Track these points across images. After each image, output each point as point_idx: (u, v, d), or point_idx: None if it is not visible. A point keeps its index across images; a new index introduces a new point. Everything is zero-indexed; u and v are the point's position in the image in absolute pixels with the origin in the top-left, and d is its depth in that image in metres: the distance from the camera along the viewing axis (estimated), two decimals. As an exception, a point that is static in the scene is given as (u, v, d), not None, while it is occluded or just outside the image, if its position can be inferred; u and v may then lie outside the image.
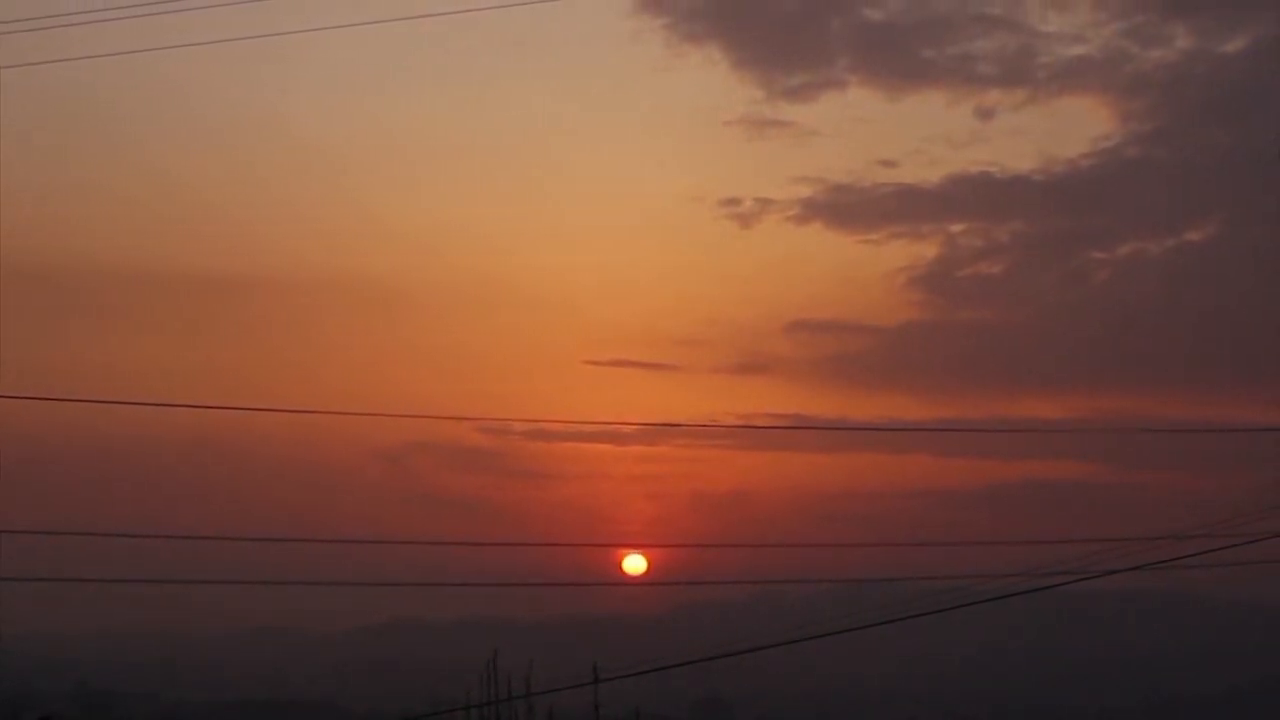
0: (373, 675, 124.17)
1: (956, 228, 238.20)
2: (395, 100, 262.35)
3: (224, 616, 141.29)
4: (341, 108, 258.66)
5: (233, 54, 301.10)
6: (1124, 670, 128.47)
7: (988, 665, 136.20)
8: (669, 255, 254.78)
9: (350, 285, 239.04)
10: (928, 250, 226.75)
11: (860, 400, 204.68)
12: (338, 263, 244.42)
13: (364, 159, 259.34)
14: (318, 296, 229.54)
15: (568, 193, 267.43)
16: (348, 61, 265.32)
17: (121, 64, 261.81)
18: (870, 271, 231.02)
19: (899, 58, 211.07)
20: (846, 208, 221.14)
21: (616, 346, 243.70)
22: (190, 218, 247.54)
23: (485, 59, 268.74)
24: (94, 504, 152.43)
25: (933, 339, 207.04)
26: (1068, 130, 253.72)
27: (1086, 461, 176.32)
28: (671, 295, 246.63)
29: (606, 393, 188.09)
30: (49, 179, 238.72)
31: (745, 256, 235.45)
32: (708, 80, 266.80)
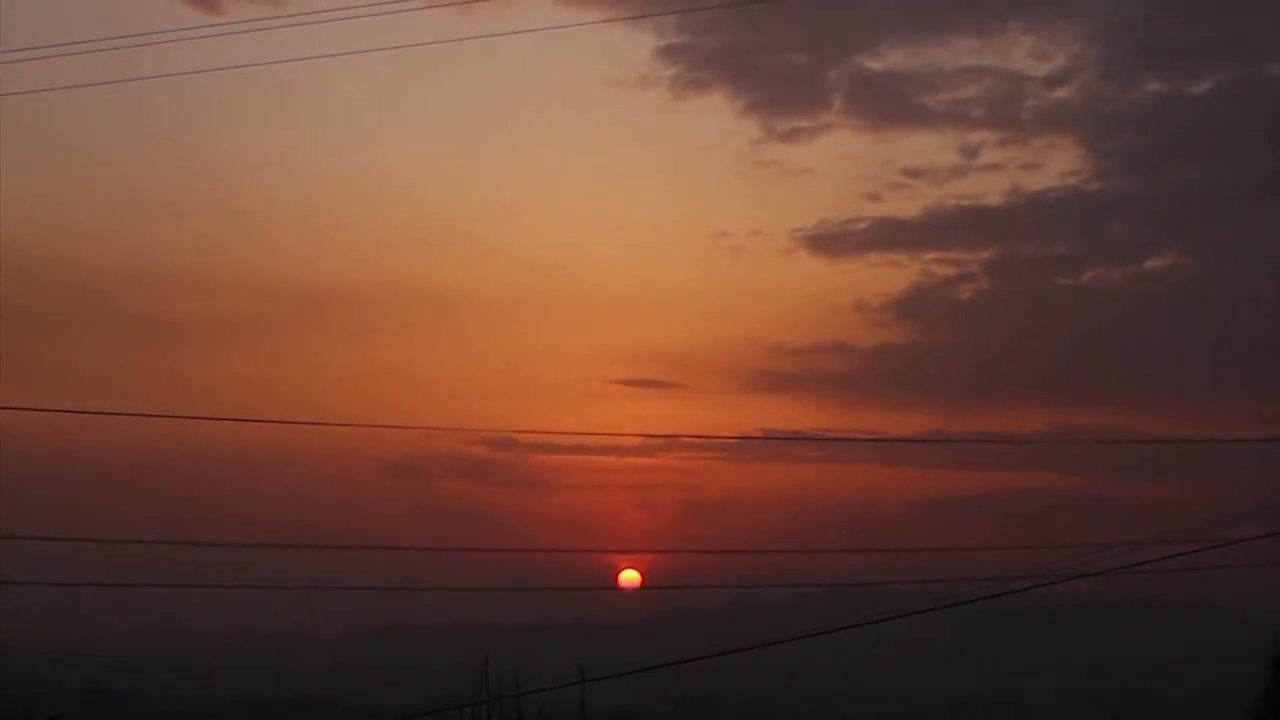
0: (371, 676, 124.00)
1: (930, 256, 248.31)
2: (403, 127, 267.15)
3: (228, 619, 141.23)
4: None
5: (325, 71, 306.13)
6: (1098, 672, 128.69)
7: (966, 667, 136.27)
8: (668, 281, 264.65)
9: (362, 300, 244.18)
10: (904, 278, 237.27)
11: (845, 415, 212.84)
12: (349, 276, 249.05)
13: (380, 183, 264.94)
14: (325, 310, 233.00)
15: (572, 220, 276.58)
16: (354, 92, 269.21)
17: (225, 78, 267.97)
18: (851, 297, 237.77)
19: (893, 103, 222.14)
20: (831, 239, 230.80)
21: (620, 365, 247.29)
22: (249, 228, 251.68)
23: (506, 93, 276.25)
24: (111, 511, 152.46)
25: (909, 359, 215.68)
26: (1042, 166, 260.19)
27: (1052, 472, 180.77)
28: (670, 319, 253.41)
29: (612, 408, 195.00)
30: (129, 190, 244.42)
31: (738, 284, 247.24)
32: (710, 123, 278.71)
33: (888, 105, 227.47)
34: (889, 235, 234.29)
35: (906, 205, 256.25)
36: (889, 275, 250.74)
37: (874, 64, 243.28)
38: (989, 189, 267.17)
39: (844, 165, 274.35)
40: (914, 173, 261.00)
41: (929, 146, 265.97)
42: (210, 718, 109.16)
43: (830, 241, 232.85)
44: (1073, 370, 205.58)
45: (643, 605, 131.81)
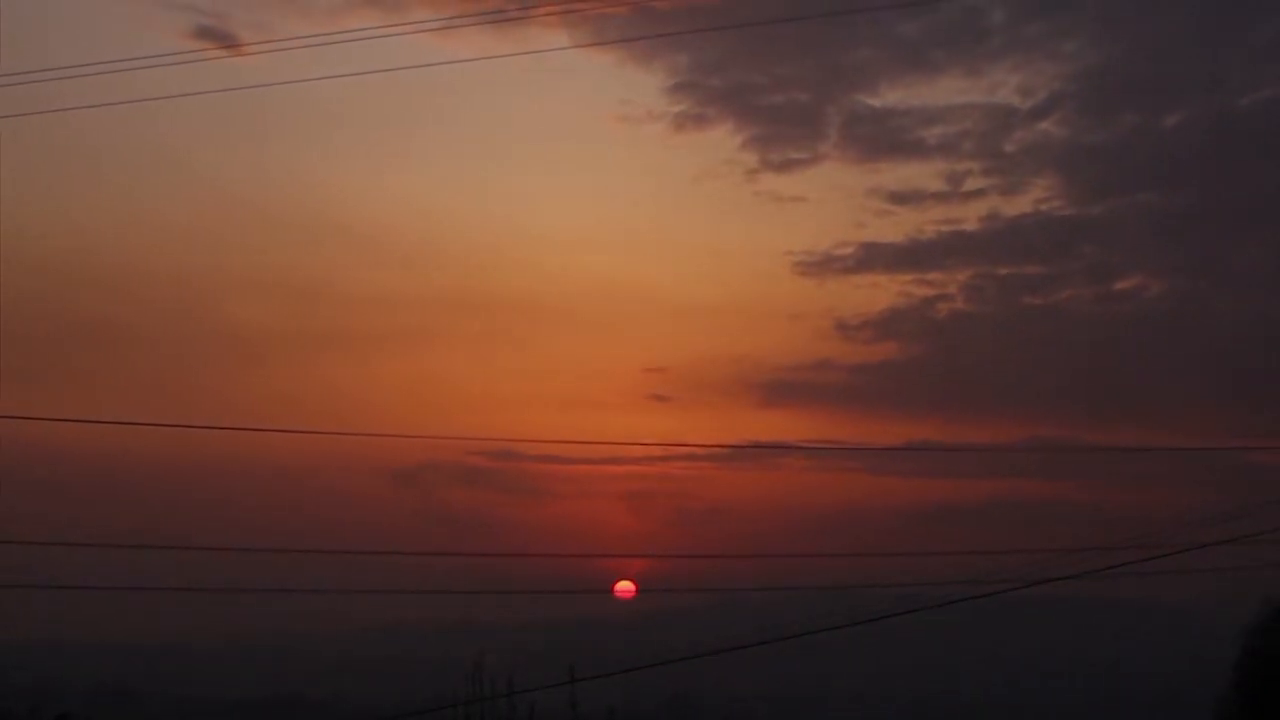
0: (369, 675, 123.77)
1: (908, 278, 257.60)
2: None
3: (231, 620, 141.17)
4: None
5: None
6: (1069, 671, 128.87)
7: (945, 667, 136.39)
8: (667, 301, 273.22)
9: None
10: (887, 298, 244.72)
11: (833, 428, 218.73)
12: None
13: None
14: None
15: (576, 246, 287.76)
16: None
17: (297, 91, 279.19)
18: (839, 317, 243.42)
19: (884, 136, 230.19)
20: (820, 263, 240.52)
21: (622, 379, 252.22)
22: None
23: (520, 123, 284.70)
24: (124, 517, 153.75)
25: (892, 375, 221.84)
26: (1022, 193, 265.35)
27: (1027, 480, 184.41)
28: (669, 336, 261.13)
29: (613, 420, 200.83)
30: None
31: (732, 304, 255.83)
32: (711, 154, 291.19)
33: (880, 138, 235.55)
34: (875, 259, 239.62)
35: (891, 230, 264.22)
36: (874, 296, 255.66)
37: (872, 101, 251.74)
38: (969, 215, 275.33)
39: (834, 195, 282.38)
40: (902, 201, 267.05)
41: (913, 176, 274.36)
42: (214, 715, 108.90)
43: (819, 265, 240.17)
44: (1047, 385, 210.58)
45: (633, 607, 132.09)
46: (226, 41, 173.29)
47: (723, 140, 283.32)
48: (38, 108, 31.93)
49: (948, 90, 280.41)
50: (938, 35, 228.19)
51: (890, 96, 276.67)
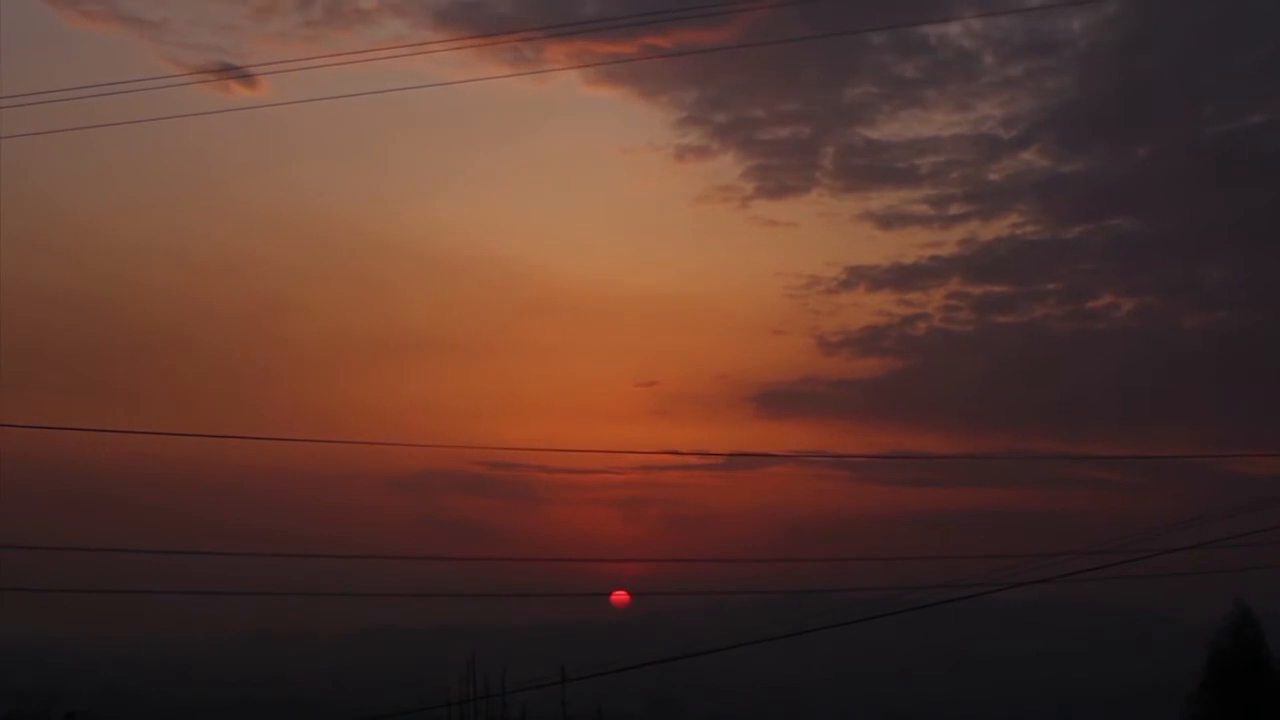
0: (368, 675, 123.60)
1: (890, 297, 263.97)
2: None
3: (233, 622, 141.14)
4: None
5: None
6: (1045, 671, 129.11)
7: (929, 668, 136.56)
8: (663, 320, 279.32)
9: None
10: (866, 317, 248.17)
11: (818, 439, 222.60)
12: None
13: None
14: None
15: (578, 262, 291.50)
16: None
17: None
18: (830, 333, 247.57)
19: (876, 167, 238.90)
20: (806, 285, 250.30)
21: (620, 390, 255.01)
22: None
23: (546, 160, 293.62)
24: (133, 521, 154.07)
25: (873, 388, 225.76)
26: (999, 219, 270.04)
27: (1006, 487, 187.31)
28: (664, 352, 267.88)
29: (611, 430, 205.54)
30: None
31: (725, 321, 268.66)
32: (710, 183, 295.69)
33: (873, 168, 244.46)
34: (860, 280, 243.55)
35: (877, 253, 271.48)
36: (857, 315, 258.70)
37: (869, 133, 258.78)
38: (949, 240, 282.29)
39: (825, 222, 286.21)
40: (886, 224, 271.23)
41: (904, 202, 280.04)
42: (214, 715, 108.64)
43: (806, 286, 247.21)
44: (1022, 398, 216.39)
45: (628, 610, 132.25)
46: (242, 75, 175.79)
47: (723, 170, 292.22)
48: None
49: (938, 124, 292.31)
50: (933, 74, 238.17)
51: (887, 129, 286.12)
